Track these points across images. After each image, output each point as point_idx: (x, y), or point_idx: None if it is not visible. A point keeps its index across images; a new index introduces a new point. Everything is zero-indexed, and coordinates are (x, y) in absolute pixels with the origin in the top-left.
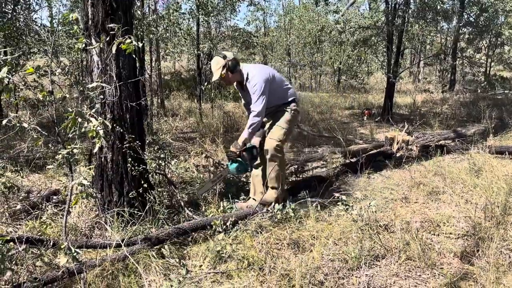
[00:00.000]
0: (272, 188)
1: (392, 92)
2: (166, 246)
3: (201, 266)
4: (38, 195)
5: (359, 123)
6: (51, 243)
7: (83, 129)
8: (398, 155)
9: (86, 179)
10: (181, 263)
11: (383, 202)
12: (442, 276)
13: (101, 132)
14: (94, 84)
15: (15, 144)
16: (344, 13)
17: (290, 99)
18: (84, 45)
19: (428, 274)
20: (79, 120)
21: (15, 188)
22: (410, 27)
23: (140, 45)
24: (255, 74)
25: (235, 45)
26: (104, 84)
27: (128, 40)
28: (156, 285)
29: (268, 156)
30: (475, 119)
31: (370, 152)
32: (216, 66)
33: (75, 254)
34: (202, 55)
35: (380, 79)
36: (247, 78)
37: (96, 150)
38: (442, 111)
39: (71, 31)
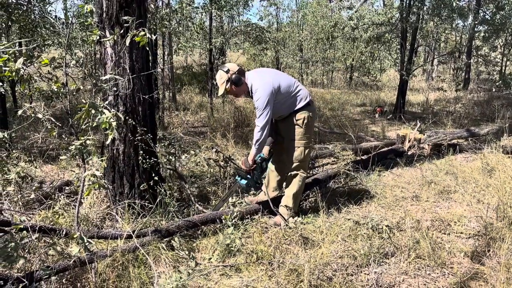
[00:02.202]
0: (286, 206)
1: (405, 90)
2: (176, 239)
3: (210, 259)
4: (51, 185)
5: (370, 120)
6: (64, 233)
7: (96, 121)
8: (409, 153)
9: (98, 171)
10: (191, 256)
11: (394, 200)
12: (452, 275)
13: (114, 124)
14: (108, 76)
15: (29, 135)
16: (358, 9)
17: (300, 106)
18: (98, 37)
19: (437, 273)
20: (93, 111)
21: (29, 178)
22: (424, 24)
23: (154, 37)
24: (258, 87)
25: (247, 40)
26: (117, 77)
27: (142, 33)
28: (165, 277)
29: (291, 173)
30: (489, 118)
31: (381, 150)
32: (220, 81)
33: (87, 244)
34: (214, 50)
35: (392, 76)
36: (251, 91)
37: (108, 142)
38: (455, 109)
39: (85, 23)
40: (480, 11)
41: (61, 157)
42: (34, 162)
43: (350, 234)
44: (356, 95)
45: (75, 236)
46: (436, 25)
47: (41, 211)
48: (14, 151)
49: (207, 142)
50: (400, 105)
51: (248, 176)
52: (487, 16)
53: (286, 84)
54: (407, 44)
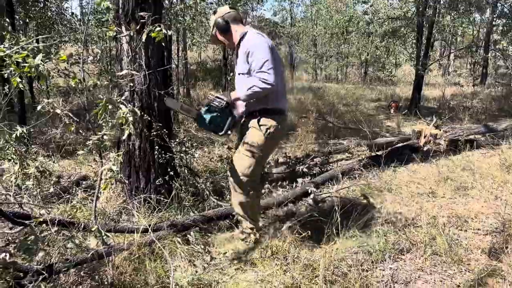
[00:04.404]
0: (243, 217)
1: (421, 85)
2: (191, 233)
3: (225, 253)
4: (69, 180)
5: (385, 115)
6: (82, 226)
7: (114, 117)
8: (425, 149)
9: (115, 165)
10: (206, 250)
11: (409, 196)
12: (469, 272)
13: (130, 119)
14: (124, 72)
15: (47, 130)
16: (373, 3)
17: (272, 106)
18: (114, 33)
19: (454, 270)
20: (110, 107)
21: (47, 173)
22: (441, 17)
23: (169, 33)
24: (260, 43)
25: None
26: (134, 72)
27: (158, 28)
28: (181, 270)
29: (230, 183)
30: (508, 113)
31: (397, 145)
32: (210, 24)
33: (104, 237)
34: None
35: (408, 71)
36: (239, 45)
37: (125, 137)
38: (472, 105)
39: (102, 19)
40: (498, 4)
41: (78, 152)
42: (52, 157)
43: (364, 230)
44: (370, 90)
45: (93, 229)
46: (453, 19)
47: (59, 205)
48: (32, 146)
49: (222, 137)
50: (416, 100)
51: (217, 113)
52: (505, 9)
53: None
54: (423, 39)
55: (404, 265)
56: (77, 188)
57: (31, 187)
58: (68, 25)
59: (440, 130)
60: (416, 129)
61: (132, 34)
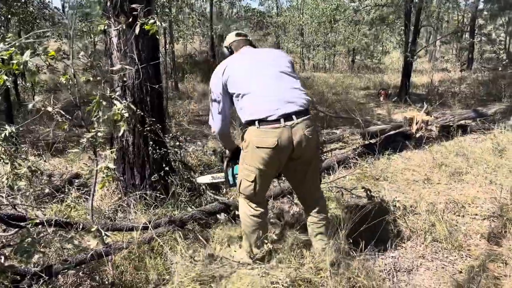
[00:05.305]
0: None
1: (410, 72)
2: (190, 228)
3: (226, 248)
4: (61, 178)
5: (375, 103)
6: (81, 227)
7: (108, 113)
8: (417, 135)
9: (111, 163)
10: (206, 245)
11: (405, 183)
12: (469, 257)
13: (126, 115)
14: (118, 67)
15: (34, 128)
16: None
17: (250, 119)
18: (106, 27)
19: (455, 256)
20: (104, 103)
21: (38, 172)
22: (429, 3)
23: (164, 25)
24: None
25: (248, 26)
26: (127, 67)
27: (152, 21)
28: (182, 267)
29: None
30: (496, 98)
31: (389, 133)
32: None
33: (104, 237)
34: (215, 37)
35: (395, 59)
36: None
37: (120, 133)
38: (461, 90)
39: (90, 13)
40: None
41: (72, 150)
42: (43, 155)
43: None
44: (359, 79)
45: (93, 229)
46: (440, 4)
47: (52, 204)
48: (22, 146)
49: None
50: (405, 87)
51: (223, 168)
52: None
53: (247, 73)
54: (410, 25)
55: (406, 253)
56: (71, 187)
57: (24, 188)
58: (50, 20)
59: (431, 116)
60: (408, 116)
61: (122, 27)
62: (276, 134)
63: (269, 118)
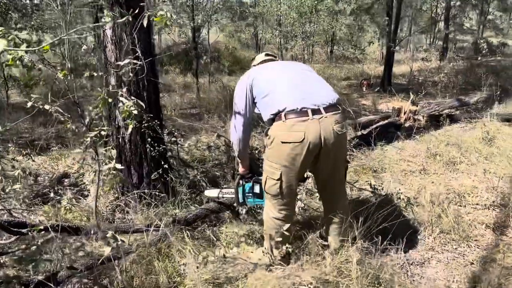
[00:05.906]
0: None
1: (392, 62)
2: (197, 228)
3: (235, 247)
4: (50, 178)
5: (358, 94)
6: (91, 231)
7: (117, 110)
8: (406, 125)
9: (113, 161)
10: (215, 245)
11: (402, 174)
12: (478, 248)
13: (135, 112)
14: (127, 61)
15: (16, 127)
16: None
17: (274, 112)
18: (110, 18)
19: (464, 247)
20: (109, 100)
21: (27, 172)
22: None
23: (175, 17)
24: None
25: (228, 17)
26: (134, 61)
27: (161, 12)
28: (192, 267)
29: None
30: (475, 86)
31: (380, 123)
32: None
33: (119, 242)
34: (194, 28)
35: (373, 49)
36: None
37: (129, 131)
38: (440, 79)
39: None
40: None
41: (75, 151)
42: (31, 155)
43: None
44: (339, 69)
45: (108, 235)
46: None
47: (44, 206)
48: (9, 145)
49: (204, 124)
50: (387, 77)
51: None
52: None
53: (273, 73)
54: (392, 15)
55: (415, 245)
56: (61, 187)
57: (19, 190)
58: (23, 11)
59: (417, 106)
60: (396, 107)
61: (116, 19)
62: (303, 128)
63: (296, 108)
